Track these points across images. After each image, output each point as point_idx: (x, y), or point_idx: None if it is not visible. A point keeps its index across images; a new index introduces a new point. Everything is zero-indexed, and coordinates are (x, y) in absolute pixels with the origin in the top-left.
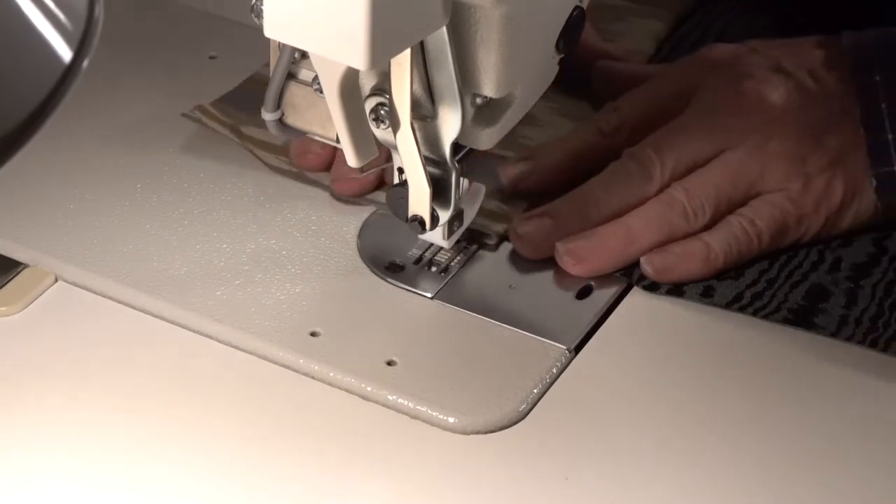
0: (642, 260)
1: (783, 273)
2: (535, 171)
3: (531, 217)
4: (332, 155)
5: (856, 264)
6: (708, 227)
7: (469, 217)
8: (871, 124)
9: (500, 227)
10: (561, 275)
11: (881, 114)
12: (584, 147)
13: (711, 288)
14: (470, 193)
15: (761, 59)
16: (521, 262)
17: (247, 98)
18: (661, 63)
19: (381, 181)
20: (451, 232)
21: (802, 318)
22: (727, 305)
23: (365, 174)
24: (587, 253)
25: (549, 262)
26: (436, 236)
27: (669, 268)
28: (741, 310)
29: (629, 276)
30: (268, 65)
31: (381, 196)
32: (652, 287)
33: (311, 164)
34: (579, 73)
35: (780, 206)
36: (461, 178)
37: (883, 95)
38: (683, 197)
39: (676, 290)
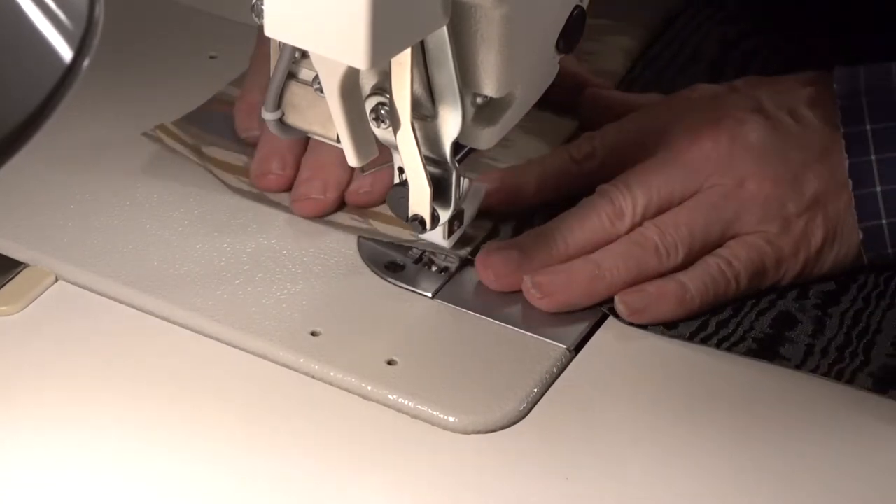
0: (616, 299)
1: (750, 300)
2: (502, 189)
3: (498, 249)
4: (293, 176)
5: (824, 292)
6: (681, 267)
7: (469, 217)
8: (859, 176)
9: (462, 252)
10: None
11: (870, 166)
12: (553, 170)
13: (651, 324)
14: (470, 193)
15: (741, 99)
16: None
17: (211, 118)
18: (636, 81)
19: (342, 203)
20: (451, 232)
21: (768, 346)
22: (691, 336)
23: (326, 196)
24: (554, 288)
25: None
26: (436, 236)
27: (643, 308)
28: (704, 340)
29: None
30: (232, 84)
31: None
32: (617, 313)
33: (270, 186)
34: (555, 97)
35: (757, 248)
36: (461, 178)
37: (873, 147)
38: (655, 235)
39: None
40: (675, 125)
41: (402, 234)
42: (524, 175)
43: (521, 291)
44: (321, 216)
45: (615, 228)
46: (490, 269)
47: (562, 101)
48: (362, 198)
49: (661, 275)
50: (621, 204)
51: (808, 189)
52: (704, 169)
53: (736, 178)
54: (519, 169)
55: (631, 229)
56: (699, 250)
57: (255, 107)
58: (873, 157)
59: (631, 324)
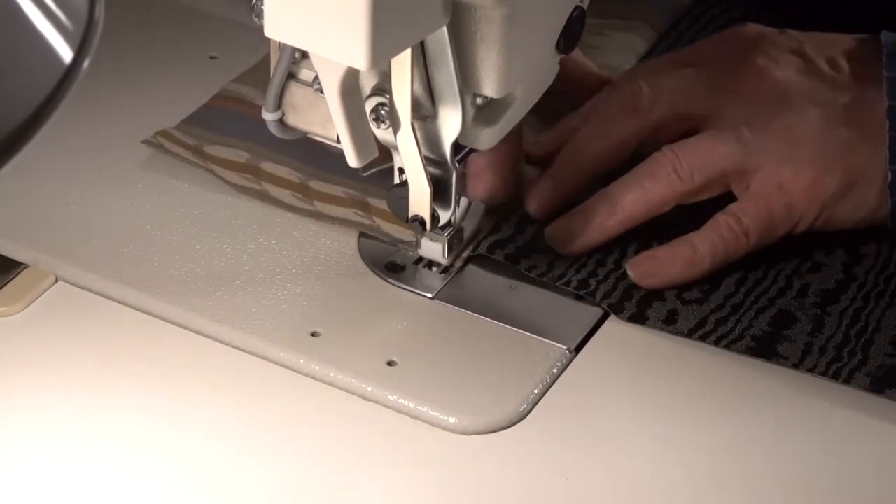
0: (627, 266)
1: (749, 298)
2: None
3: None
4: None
5: (824, 290)
6: (702, 192)
7: (468, 235)
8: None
9: (465, 252)
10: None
11: None
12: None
13: (675, 313)
14: (470, 212)
15: (784, 40)
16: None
17: (214, 116)
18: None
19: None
20: (450, 249)
21: (766, 345)
22: (689, 333)
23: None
24: (574, 230)
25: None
26: (436, 253)
27: (653, 272)
28: (703, 337)
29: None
30: (235, 81)
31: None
32: (616, 309)
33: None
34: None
35: (766, 201)
36: (461, 197)
37: None
38: (669, 161)
39: (640, 316)
40: (716, 61)
41: (405, 234)
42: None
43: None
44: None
45: (626, 125)
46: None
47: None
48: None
49: (679, 202)
50: (635, 98)
51: (828, 138)
52: (728, 96)
53: (760, 110)
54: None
55: (641, 131)
56: (717, 181)
57: None
58: None
59: (632, 320)
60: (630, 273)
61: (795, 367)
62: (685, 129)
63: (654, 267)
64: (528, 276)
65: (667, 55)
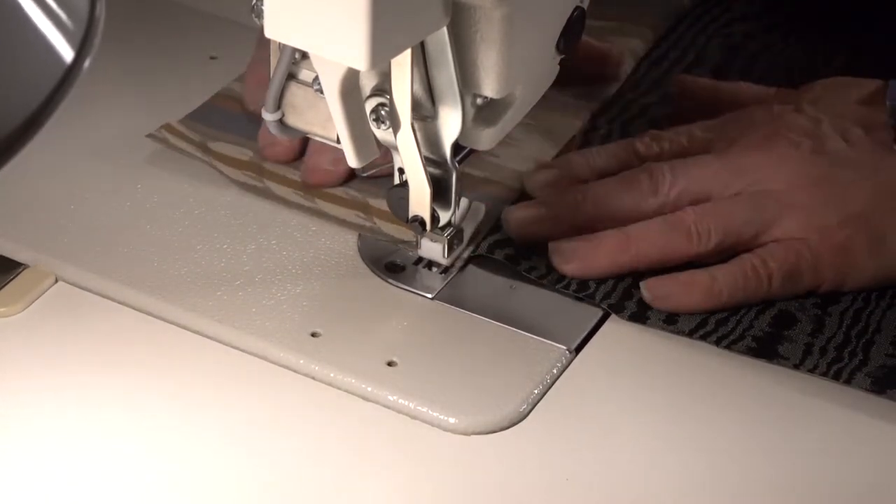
0: (641, 285)
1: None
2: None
3: (523, 205)
4: (301, 145)
5: (824, 291)
6: (712, 257)
7: (468, 236)
8: None
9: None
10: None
11: None
12: (614, 164)
13: (675, 313)
14: (470, 213)
15: (801, 120)
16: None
17: (215, 114)
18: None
19: (352, 174)
20: (450, 250)
21: (767, 345)
22: (690, 333)
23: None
24: (581, 253)
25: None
26: (436, 254)
27: (668, 295)
28: (704, 337)
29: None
30: (236, 80)
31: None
32: (617, 309)
33: (278, 155)
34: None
35: (795, 251)
36: (461, 198)
37: None
38: (691, 217)
39: (640, 316)
40: (736, 140)
41: (406, 234)
42: (581, 167)
43: (523, 294)
44: (333, 186)
45: (646, 203)
46: (513, 222)
47: (588, 74)
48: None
49: (690, 261)
50: (658, 182)
51: (852, 202)
52: (751, 174)
53: (781, 184)
54: (574, 159)
55: (661, 210)
56: (733, 244)
57: (265, 80)
58: None
59: (633, 319)
60: (645, 294)
61: (796, 367)
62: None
63: (670, 290)
64: (528, 277)
65: (686, 127)
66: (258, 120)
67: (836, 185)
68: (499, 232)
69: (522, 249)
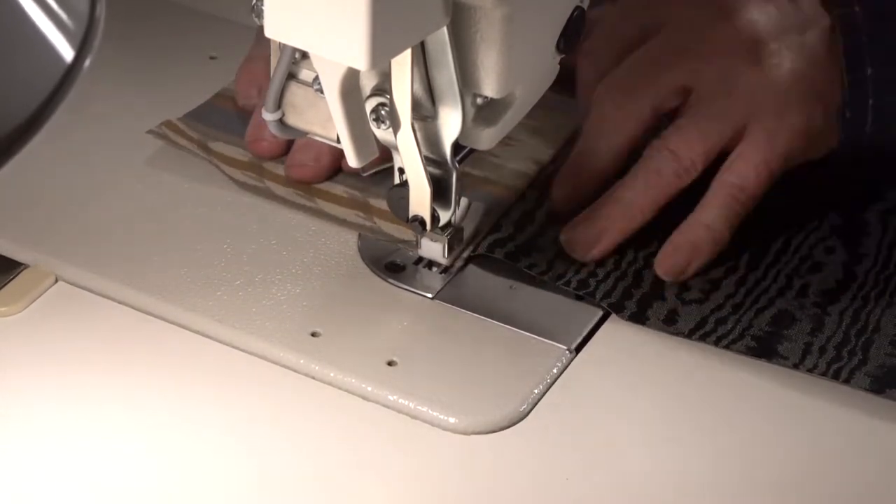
0: (656, 264)
1: (749, 298)
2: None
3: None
4: (286, 144)
5: (823, 290)
6: (701, 175)
7: (468, 235)
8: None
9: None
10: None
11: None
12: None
13: (675, 313)
14: (470, 212)
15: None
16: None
17: (215, 114)
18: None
19: (338, 169)
20: (450, 249)
21: (767, 345)
22: (690, 333)
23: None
24: (594, 237)
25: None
26: (436, 253)
27: (683, 266)
28: (703, 337)
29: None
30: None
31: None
32: (617, 308)
33: (263, 151)
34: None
35: (762, 155)
36: (461, 198)
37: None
38: (671, 162)
39: (640, 315)
40: (667, 23)
41: (406, 234)
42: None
43: (523, 293)
44: (314, 182)
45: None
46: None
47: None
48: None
49: (683, 189)
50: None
51: (806, 78)
52: (705, 65)
53: (738, 74)
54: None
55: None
56: (716, 157)
57: (257, 75)
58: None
59: (632, 319)
60: (663, 276)
61: (796, 367)
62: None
63: (683, 260)
64: (528, 277)
65: (611, 29)
66: (249, 116)
67: (787, 61)
68: (499, 231)
69: (522, 247)
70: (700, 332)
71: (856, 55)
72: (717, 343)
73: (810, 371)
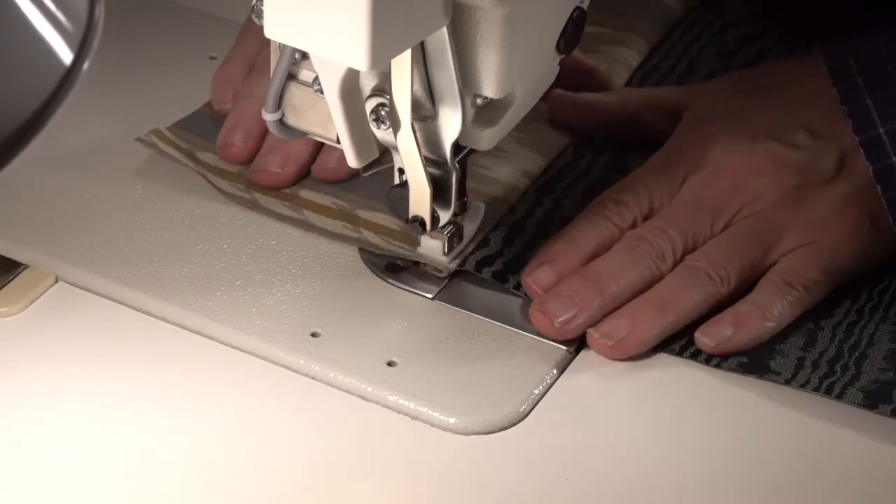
0: (697, 337)
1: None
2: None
3: (550, 297)
4: (255, 149)
5: (817, 305)
6: (735, 294)
7: (469, 233)
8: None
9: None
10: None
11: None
12: (601, 244)
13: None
14: (469, 211)
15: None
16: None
17: (203, 123)
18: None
19: (301, 176)
20: (450, 248)
21: (758, 360)
22: (681, 350)
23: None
24: (623, 332)
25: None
26: (435, 251)
27: (728, 338)
28: (694, 356)
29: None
30: None
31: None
32: None
33: (232, 157)
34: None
35: (813, 251)
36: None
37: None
38: (706, 266)
39: None
40: (698, 165)
41: (393, 247)
42: (572, 256)
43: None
44: (278, 188)
45: (661, 269)
46: (547, 316)
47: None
48: (329, 173)
49: (719, 301)
50: (658, 245)
51: (840, 188)
52: (732, 203)
53: (766, 201)
54: (565, 250)
55: (673, 267)
56: (749, 275)
57: (233, 78)
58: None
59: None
60: (706, 343)
61: (787, 382)
62: None
63: (727, 332)
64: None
65: (639, 179)
66: (223, 121)
67: (817, 177)
68: (487, 246)
69: (510, 265)
70: (691, 350)
71: (888, 174)
72: (707, 362)
73: (802, 387)
